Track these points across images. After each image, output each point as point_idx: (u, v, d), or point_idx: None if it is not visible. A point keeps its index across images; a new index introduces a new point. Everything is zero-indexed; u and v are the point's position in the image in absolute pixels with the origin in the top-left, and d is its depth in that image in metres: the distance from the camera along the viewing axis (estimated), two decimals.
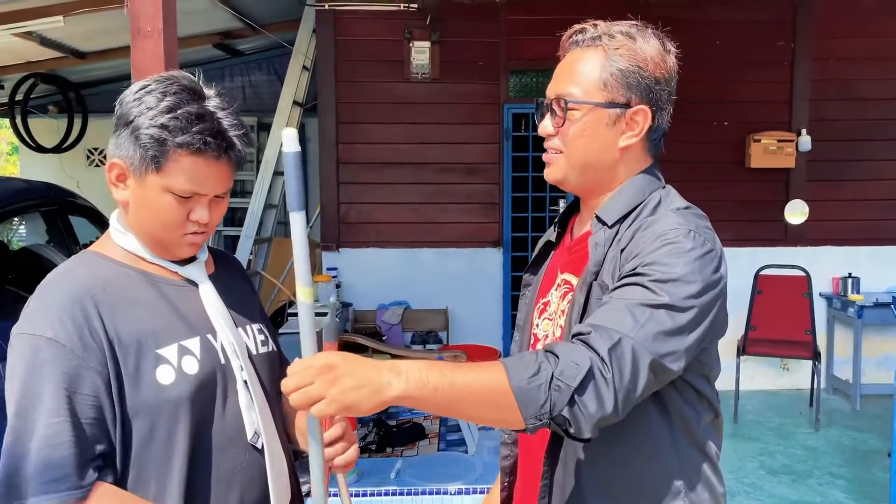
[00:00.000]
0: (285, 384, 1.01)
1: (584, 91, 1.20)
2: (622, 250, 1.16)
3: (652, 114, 1.20)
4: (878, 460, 4.27)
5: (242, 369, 1.24)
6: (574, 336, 1.06)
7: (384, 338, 5.24)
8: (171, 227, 1.20)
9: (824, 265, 5.51)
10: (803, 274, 5.01)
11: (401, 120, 5.56)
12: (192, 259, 1.29)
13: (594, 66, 1.20)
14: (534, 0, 5.44)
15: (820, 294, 5.53)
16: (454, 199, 5.65)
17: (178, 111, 1.14)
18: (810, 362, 5.03)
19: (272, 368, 1.36)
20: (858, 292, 5.43)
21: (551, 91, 1.25)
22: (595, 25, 1.23)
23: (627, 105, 1.19)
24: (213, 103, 1.20)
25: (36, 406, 1.06)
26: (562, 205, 5.70)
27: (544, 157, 1.28)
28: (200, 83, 1.23)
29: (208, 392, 1.20)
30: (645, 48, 1.19)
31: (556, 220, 1.40)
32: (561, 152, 1.24)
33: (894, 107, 5.64)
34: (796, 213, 5.43)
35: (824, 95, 5.58)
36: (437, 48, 5.46)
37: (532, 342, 1.33)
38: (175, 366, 1.17)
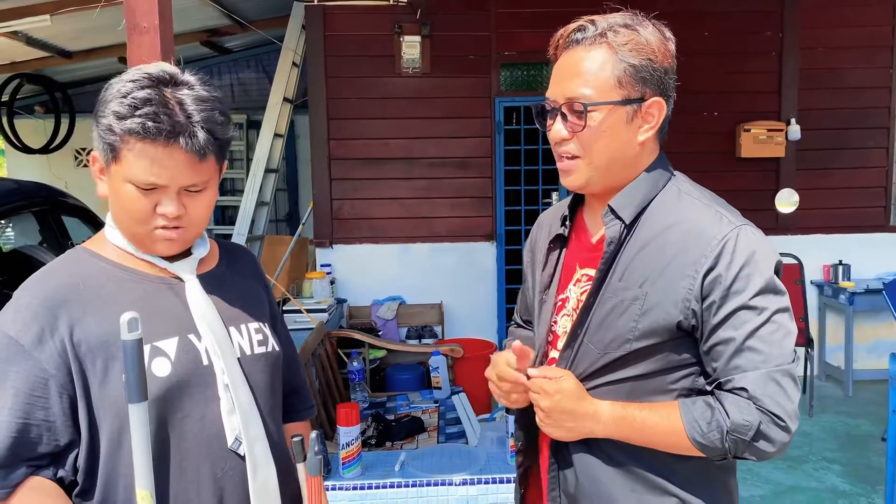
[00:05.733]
0: (532, 372, 1.24)
1: (598, 91, 1.17)
2: (642, 249, 1.19)
3: (665, 104, 1.21)
4: (871, 445, 4.31)
5: (224, 372, 1.20)
6: (727, 388, 1.14)
7: (380, 333, 5.24)
8: (139, 221, 1.16)
9: (815, 253, 5.56)
10: (795, 262, 5.05)
11: (392, 115, 5.55)
12: (186, 254, 1.26)
13: (604, 64, 1.17)
14: None
15: (811, 282, 5.58)
16: (447, 193, 5.65)
17: (128, 96, 1.11)
18: (803, 349, 5.07)
19: (268, 370, 1.30)
20: (849, 279, 5.48)
21: (558, 94, 1.21)
22: (593, 22, 1.20)
23: (642, 99, 1.19)
24: (183, 92, 1.15)
25: None
26: (554, 198, 5.71)
27: (560, 164, 1.24)
28: (181, 73, 1.19)
29: (182, 395, 1.16)
30: (650, 39, 1.18)
31: (566, 213, 1.36)
32: (577, 157, 1.21)
33: (880, 95, 5.69)
34: (786, 202, 5.46)
35: (813, 84, 5.62)
36: (427, 42, 5.45)
37: (552, 339, 1.33)
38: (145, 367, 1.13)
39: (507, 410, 2.56)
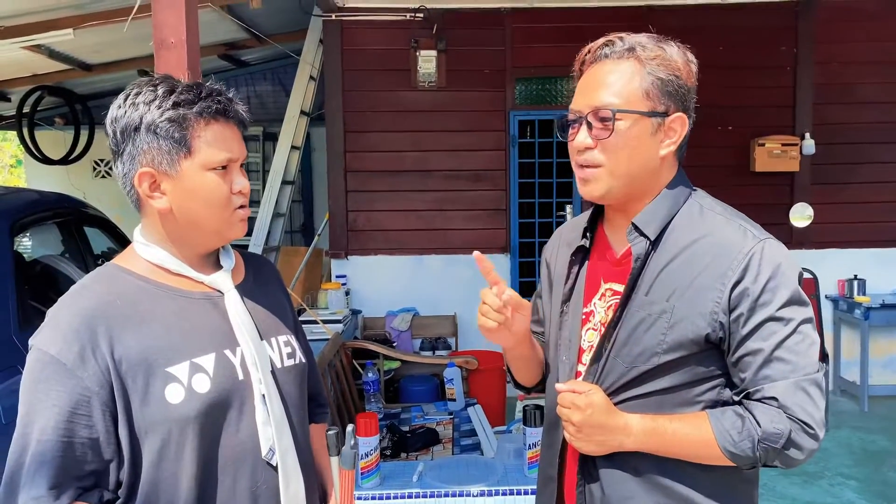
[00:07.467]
0: (560, 387, 1.25)
1: (626, 101, 1.20)
2: (668, 264, 1.21)
3: (687, 120, 1.24)
4: (888, 460, 4.29)
5: (261, 382, 1.23)
6: (756, 398, 1.17)
7: (394, 344, 5.26)
8: (223, 205, 1.21)
9: (830, 267, 5.54)
10: (810, 276, 5.04)
11: (408, 128, 5.60)
12: (217, 267, 1.29)
13: (633, 76, 1.20)
14: (538, 9, 5.50)
15: (826, 296, 5.55)
16: (461, 205, 5.68)
17: (178, 90, 1.18)
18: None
19: (297, 382, 1.33)
20: (864, 294, 5.46)
21: (583, 104, 1.23)
22: (621, 38, 1.24)
23: (666, 113, 1.22)
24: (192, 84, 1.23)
25: (34, 421, 1.09)
26: (568, 210, 5.73)
27: (580, 173, 1.26)
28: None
29: (220, 410, 1.18)
30: (675, 57, 1.22)
31: (586, 226, 1.37)
32: (599, 166, 1.23)
33: (895, 110, 5.67)
34: (800, 216, 5.45)
35: (827, 99, 5.63)
36: (443, 57, 5.50)
37: (579, 353, 1.34)
38: (185, 384, 1.15)
39: (525, 421, 2.57)
